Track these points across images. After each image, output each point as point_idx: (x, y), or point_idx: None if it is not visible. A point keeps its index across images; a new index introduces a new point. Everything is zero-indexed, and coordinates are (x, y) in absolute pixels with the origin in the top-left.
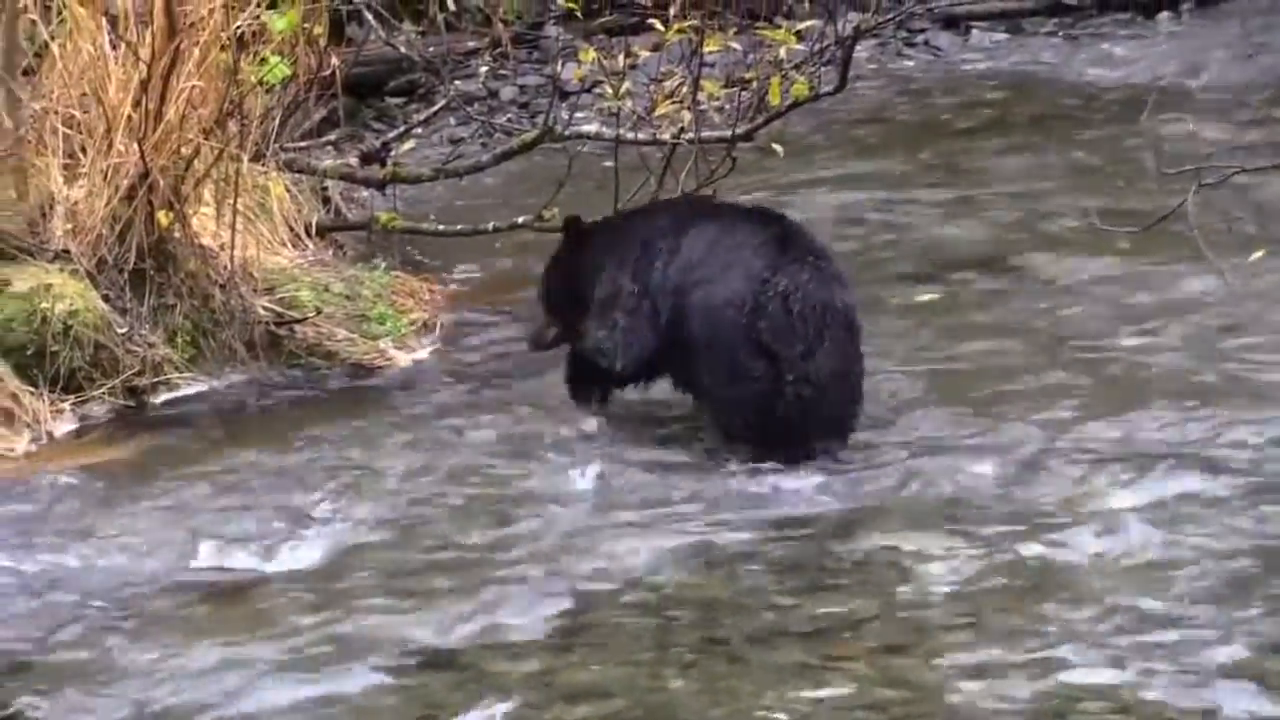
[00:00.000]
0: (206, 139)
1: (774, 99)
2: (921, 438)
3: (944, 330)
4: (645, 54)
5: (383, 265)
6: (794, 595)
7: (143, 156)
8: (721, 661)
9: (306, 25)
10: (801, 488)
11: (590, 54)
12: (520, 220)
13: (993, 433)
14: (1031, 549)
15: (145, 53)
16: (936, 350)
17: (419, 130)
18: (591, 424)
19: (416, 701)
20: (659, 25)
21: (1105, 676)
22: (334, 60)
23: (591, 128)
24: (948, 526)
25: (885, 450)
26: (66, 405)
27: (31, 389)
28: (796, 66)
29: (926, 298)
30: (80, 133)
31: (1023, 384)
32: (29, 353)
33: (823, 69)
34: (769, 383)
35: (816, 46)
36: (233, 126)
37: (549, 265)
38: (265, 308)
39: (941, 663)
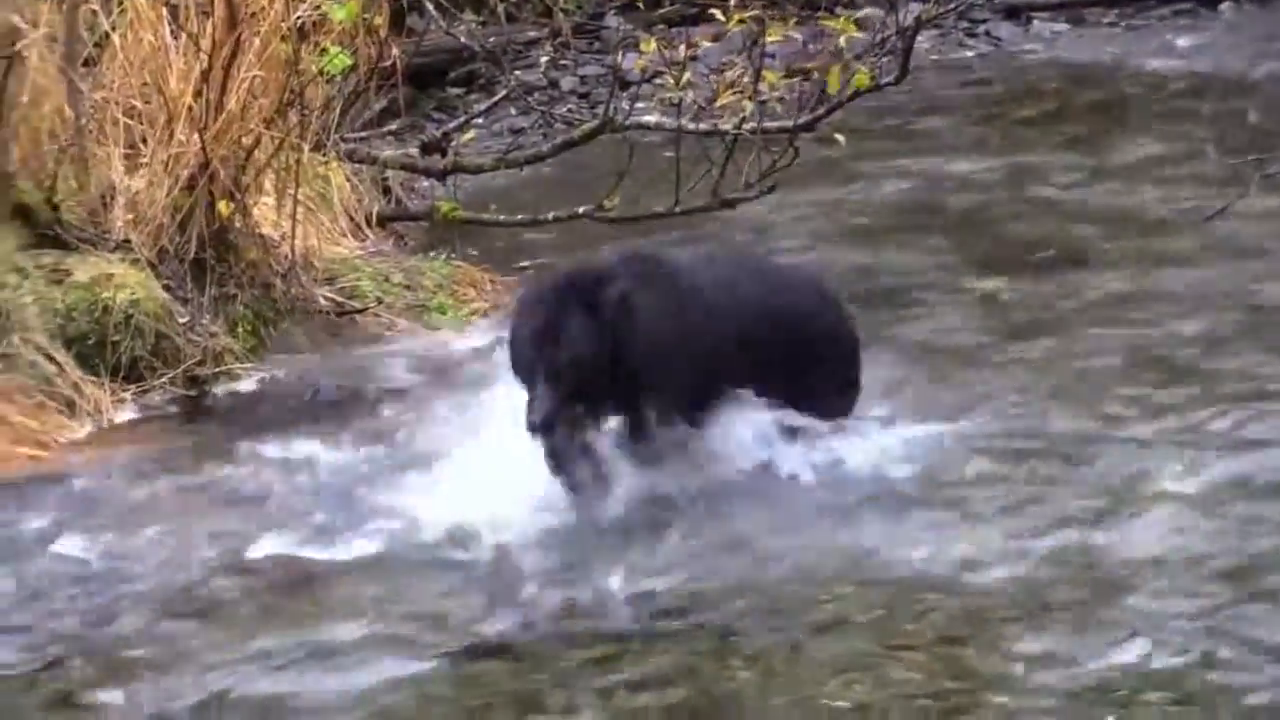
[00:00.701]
0: (267, 129)
1: (833, 88)
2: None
3: (1013, 321)
4: (706, 44)
5: (443, 255)
6: (854, 585)
7: (203, 146)
8: (784, 650)
9: (367, 15)
10: (859, 475)
11: (651, 44)
12: (580, 210)
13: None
14: (1095, 537)
15: (206, 43)
16: (1008, 341)
17: (479, 120)
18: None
19: (478, 689)
20: (720, 15)
21: (1168, 664)
22: (394, 50)
23: (652, 118)
24: (1007, 517)
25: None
26: (128, 394)
27: (93, 378)
28: (857, 57)
29: (992, 285)
30: (141, 123)
31: (1109, 372)
32: (90, 342)
33: (884, 59)
34: None
35: (877, 36)
36: (293, 116)
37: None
38: (326, 297)
39: (1003, 652)
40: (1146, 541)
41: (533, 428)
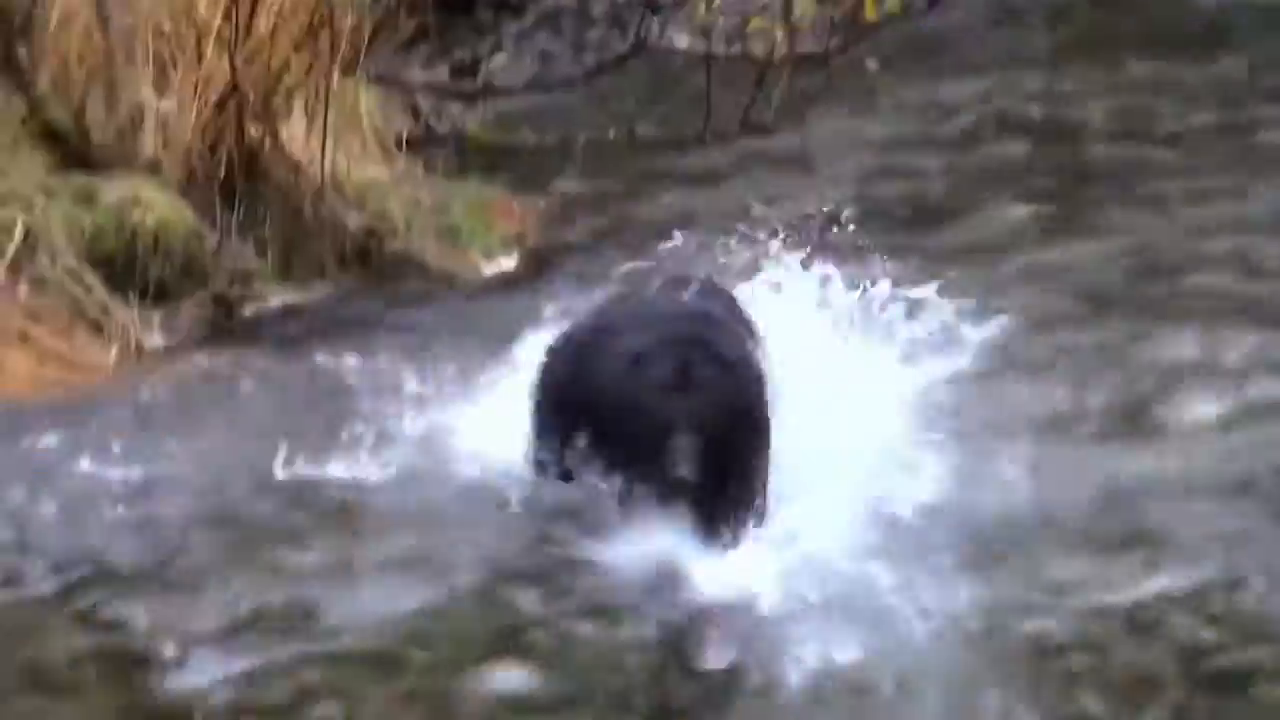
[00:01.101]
0: (297, 52)
1: (870, 14)
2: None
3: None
4: None
5: (473, 180)
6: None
7: (233, 69)
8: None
9: None
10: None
11: None
12: (611, 134)
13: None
14: (1124, 463)
15: None
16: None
17: (510, 44)
18: None
19: (507, 613)
20: None
21: (1196, 587)
22: None
23: (683, 43)
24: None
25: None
26: (156, 316)
27: (121, 300)
28: None
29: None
30: (170, 45)
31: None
32: (119, 264)
33: None
34: None
35: None
36: (323, 39)
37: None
38: (355, 221)
39: (1031, 578)
40: (1171, 463)
41: None
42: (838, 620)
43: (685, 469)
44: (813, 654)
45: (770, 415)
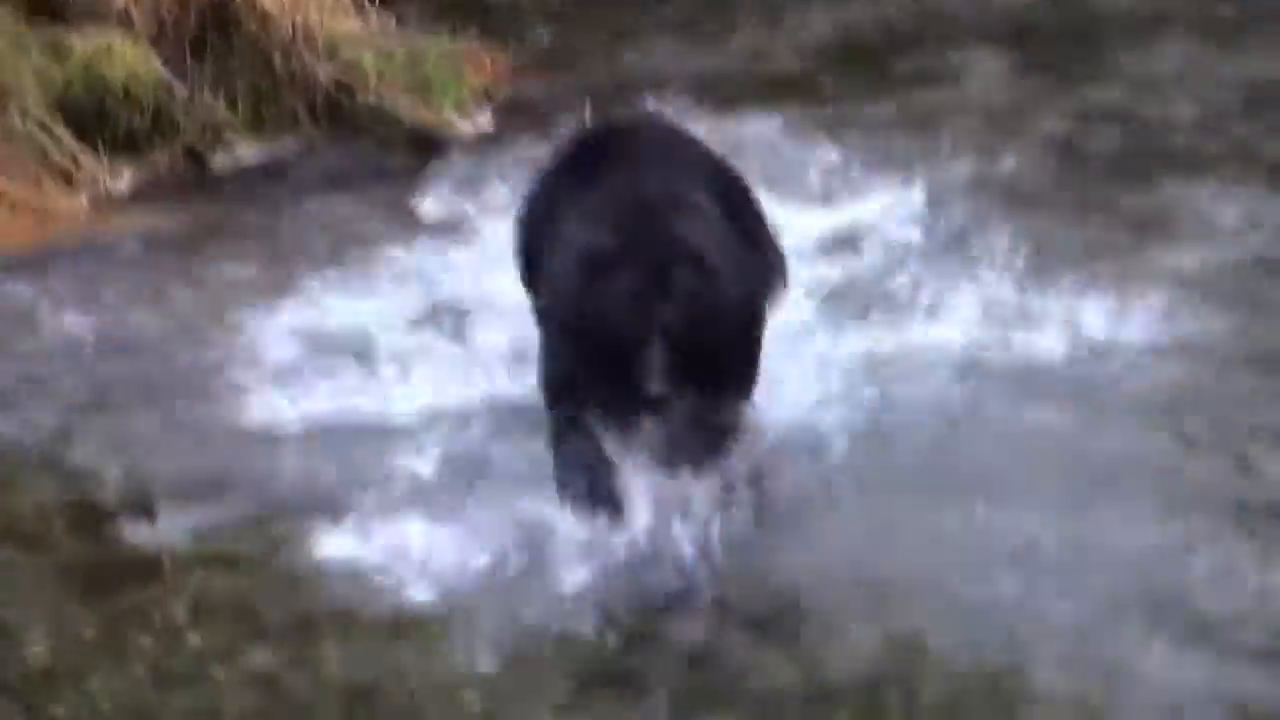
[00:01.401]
0: None
1: None
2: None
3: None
4: None
5: (445, 33)
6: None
7: None
8: None
9: None
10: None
11: None
12: None
13: None
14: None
15: None
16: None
17: None
18: None
19: (461, 460)
20: None
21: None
22: None
23: None
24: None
25: None
26: (125, 167)
27: (91, 151)
28: None
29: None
30: None
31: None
32: (88, 116)
33: None
34: None
35: None
36: None
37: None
38: (326, 73)
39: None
40: (1153, 326)
41: None
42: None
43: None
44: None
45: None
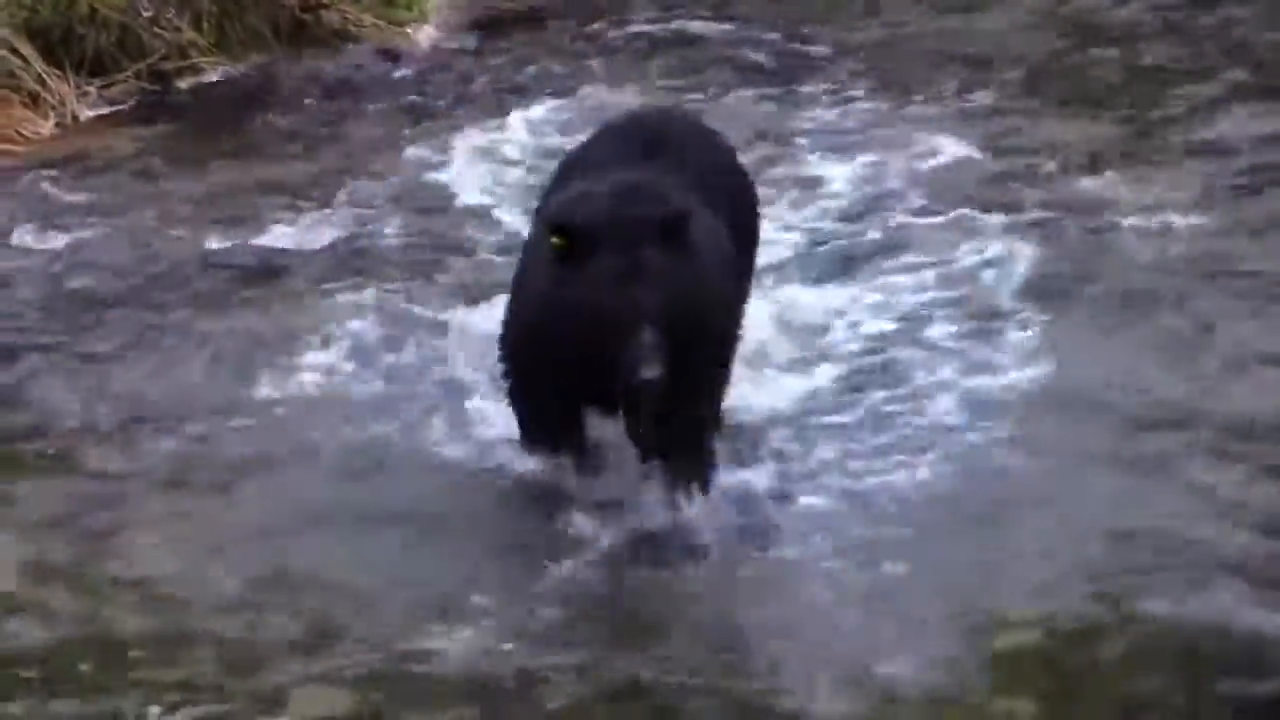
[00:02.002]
0: None
1: None
2: None
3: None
4: None
5: None
6: None
7: None
8: None
9: None
10: None
11: None
12: None
13: None
14: None
15: None
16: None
17: None
18: None
19: (429, 373)
20: None
21: None
22: None
23: None
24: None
25: None
26: (92, 88)
27: (58, 72)
28: None
29: None
30: None
31: None
32: (55, 36)
33: None
34: None
35: None
36: None
37: None
38: None
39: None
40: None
41: None
42: None
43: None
44: None
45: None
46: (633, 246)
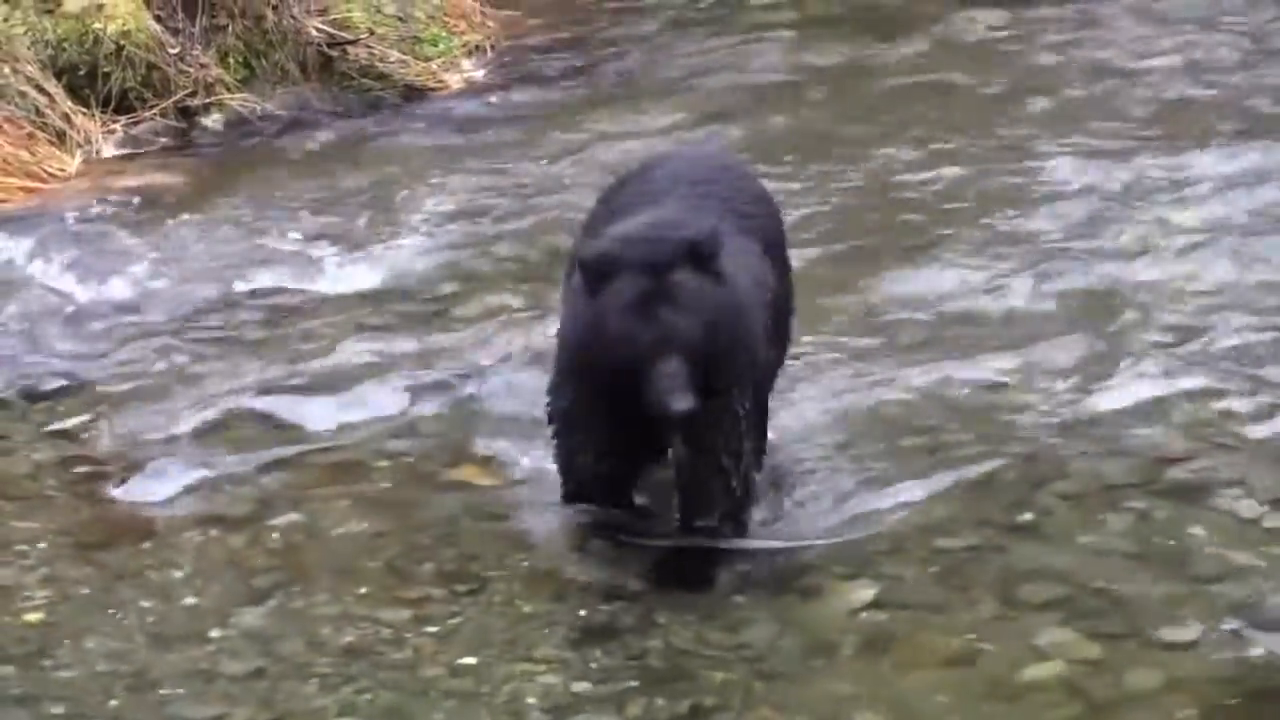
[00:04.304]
0: None
1: None
2: None
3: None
4: None
5: None
6: None
7: None
8: None
9: None
10: None
11: None
12: None
13: None
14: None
15: None
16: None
17: None
18: None
19: (468, 421)
20: None
21: None
22: None
23: None
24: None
25: None
26: (118, 126)
27: (84, 109)
28: None
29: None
30: None
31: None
32: (81, 73)
33: None
34: None
35: None
36: None
37: None
38: (318, 28)
39: None
40: None
41: None
42: None
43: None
44: None
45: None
46: (658, 272)
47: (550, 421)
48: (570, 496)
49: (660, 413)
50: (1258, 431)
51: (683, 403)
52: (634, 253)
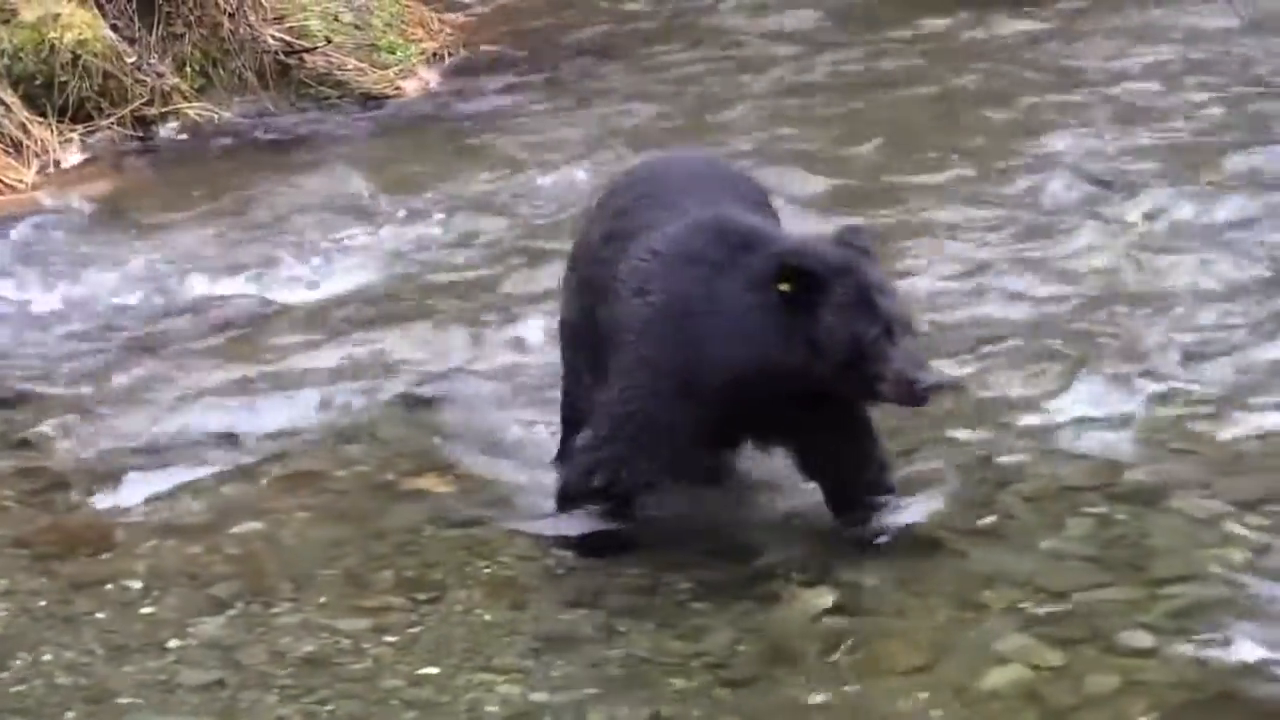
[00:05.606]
0: None
1: None
2: None
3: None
4: None
5: None
6: None
7: None
8: None
9: None
10: None
11: None
12: None
13: None
14: None
15: None
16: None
17: None
18: None
19: (426, 430)
20: None
21: None
22: None
23: None
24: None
25: None
26: (75, 135)
27: (40, 119)
28: None
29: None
30: None
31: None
32: (37, 82)
33: None
34: None
35: None
36: None
37: None
38: (274, 37)
39: None
40: None
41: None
42: None
43: None
44: None
45: None
46: (866, 267)
47: (612, 426)
48: (577, 498)
49: (904, 395)
50: (1215, 434)
51: (935, 376)
52: (835, 258)
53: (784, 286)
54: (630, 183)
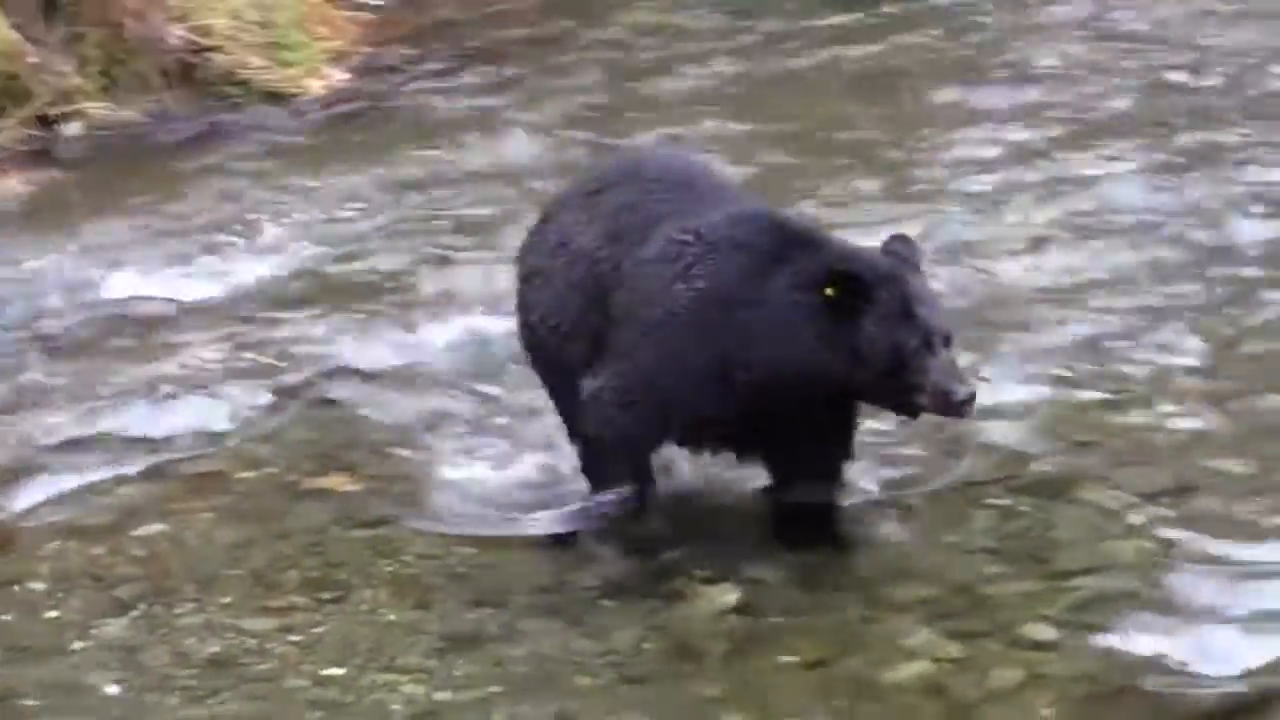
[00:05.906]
0: None
1: None
2: None
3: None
4: None
5: None
6: None
7: None
8: None
9: None
10: None
11: None
12: None
13: None
14: None
15: None
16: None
17: None
18: None
19: (332, 430)
20: None
21: None
22: None
23: None
24: None
25: None
26: None
27: None
28: None
29: None
30: None
31: None
32: None
33: None
34: None
35: None
36: None
37: None
38: (178, 35)
39: None
40: None
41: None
42: None
43: None
44: None
45: None
46: (910, 277)
47: (640, 384)
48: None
49: (941, 406)
50: (1118, 425)
51: (970, 386)
52: (882, 266)
53: (829, 291)
54: (627, 180)
